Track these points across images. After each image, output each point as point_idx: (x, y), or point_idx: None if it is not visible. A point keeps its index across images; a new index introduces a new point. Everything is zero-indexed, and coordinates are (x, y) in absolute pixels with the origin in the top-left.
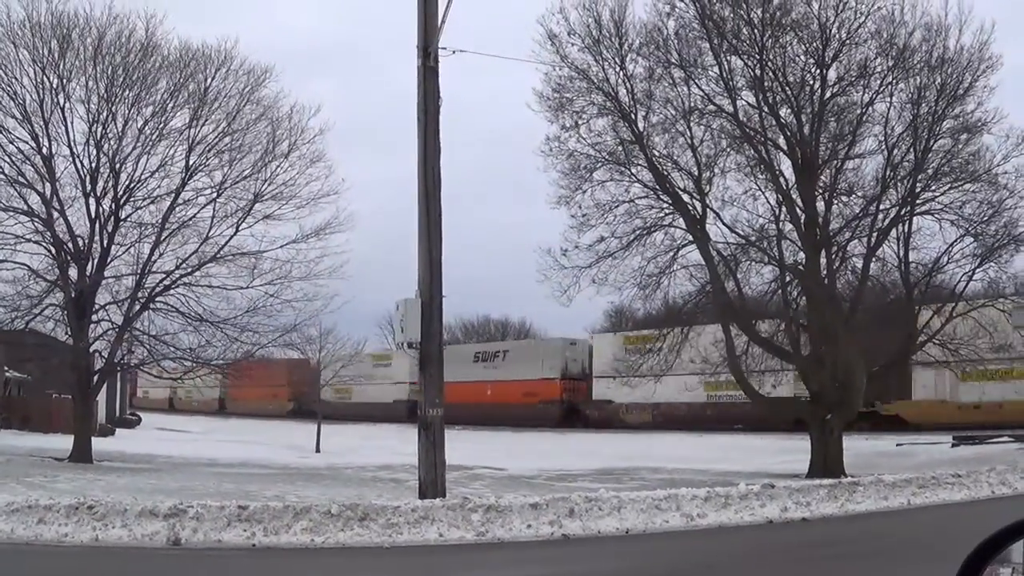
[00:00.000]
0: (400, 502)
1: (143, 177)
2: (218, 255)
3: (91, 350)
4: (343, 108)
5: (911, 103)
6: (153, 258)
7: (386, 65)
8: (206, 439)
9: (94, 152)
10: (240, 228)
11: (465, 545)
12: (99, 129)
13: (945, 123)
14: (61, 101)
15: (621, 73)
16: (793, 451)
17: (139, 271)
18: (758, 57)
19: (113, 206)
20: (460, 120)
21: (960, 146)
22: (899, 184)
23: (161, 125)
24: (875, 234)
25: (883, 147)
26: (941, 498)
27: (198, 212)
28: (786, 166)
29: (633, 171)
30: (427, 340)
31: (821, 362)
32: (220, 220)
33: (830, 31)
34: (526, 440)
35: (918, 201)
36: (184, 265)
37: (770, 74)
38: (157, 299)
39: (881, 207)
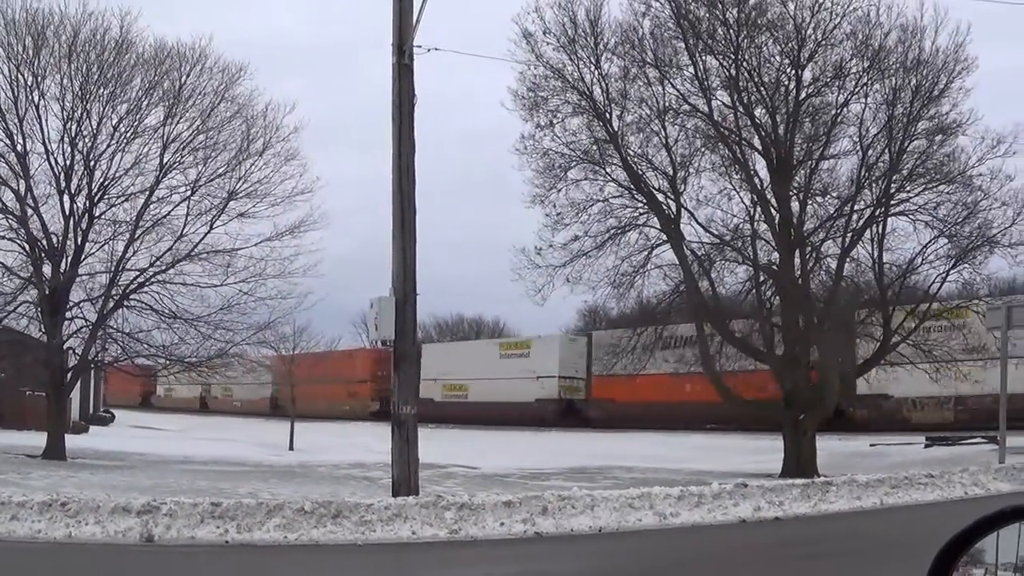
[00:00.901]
0: (373, 500)
1: (117, 175)
2: (192, 253)
3: (65, 347)
4: (317, 106)
5: (886, 104)
6: (127, 256)
7: (361, 63)
8: (181, 437)
9: (68, 149)
10: (214, 226)
11: (438, 543)
12: (74, 126)
13: (920, 124)
14: (36, 98)
15: (596, 72)
16: (766, 451)
17: (113, 268)
18: (733, 57)
19: (87, 203)
20: (435, 118)
21: (935, 147)
22: (873, 185)
23: (136, 123)
24: (849, 234)
25: (858, 148)
26: (914, 498)
27: (172, 210)
28: (761, 166)
29: (608, 170)
30: (401, 338)
31: (795, 362)
32: (194, 218)
33: (805, 32)
34: None
35: (892, 202)
36: (158, 263)
37: (745, 74)
38: (131, 296)
39: (855, 208)
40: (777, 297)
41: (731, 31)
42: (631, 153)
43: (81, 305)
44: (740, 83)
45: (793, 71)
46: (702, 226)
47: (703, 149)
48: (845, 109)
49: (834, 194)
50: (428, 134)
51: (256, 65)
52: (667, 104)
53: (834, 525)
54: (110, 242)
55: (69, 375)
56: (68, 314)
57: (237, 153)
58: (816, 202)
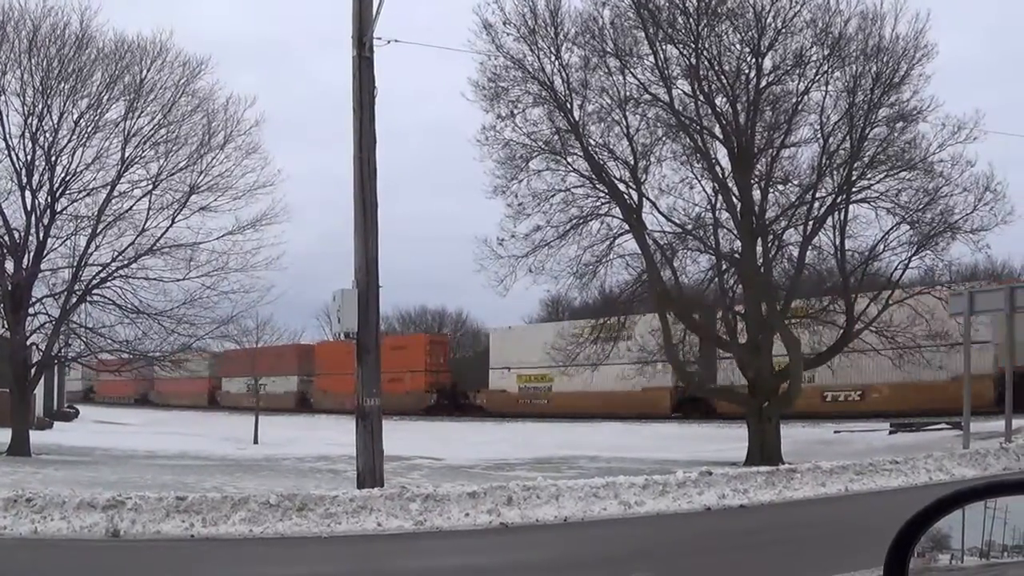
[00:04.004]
0: (338, 492)
1: (79, 170)
2: (154, 247)
3: (28, 343)
4: (276, 100)
5: (847, 92)
6: (89, 251)
7: (320, 57)
8: (144, 432)
9: (30, 145)
10: (176, 220)
11: (404, 534)
12: (34, 122)
13: (881, 111)
14: None
15: (557, 62)
16: (731, 439)
17: (75, 264)
18: (693, 46)
19: (49, 199)
20: (395, 110)
21: (896, 134)
22: (835, 172)
23: (96, 117)
24: (811, 222)
25: (819, 136)
26: (878, 484)
27: (134, 204)
28: (722, 155)
29: (569, 160)
30: (364, 330)
31: (758, 350)
32: (156, 212)
33: (766, 20)
34: None
35: (854, 189)
36: (120, 257)
37: (705, 63)
38: (94, 292)
39: (817, 195)
40: (740, 286)
41: (691, 20)
42: (592, 143)
43: (44, 301)
44: (700, 72)
45: (753, 59)
46: (664, 215)
47: (664, 138)
48: (806, 97)
49: (795, 182)
50: (389, 126)
51: (217, 60)
52: (628, 94)
53: (799, 512)
54: (72, 237)
55: (33, 371)
56: (31, 310)
57: (198, 147)
58: (777, 190)
